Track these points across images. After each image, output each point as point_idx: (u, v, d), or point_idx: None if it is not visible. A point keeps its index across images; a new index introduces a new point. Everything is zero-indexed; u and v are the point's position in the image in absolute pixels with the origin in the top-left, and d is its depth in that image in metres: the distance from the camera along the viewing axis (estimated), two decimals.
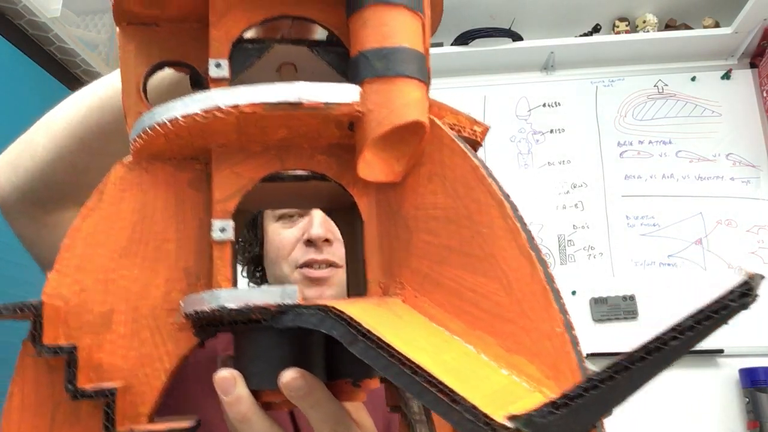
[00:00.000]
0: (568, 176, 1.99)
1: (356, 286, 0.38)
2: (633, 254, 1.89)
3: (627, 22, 2.08)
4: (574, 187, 1.98)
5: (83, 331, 0.30)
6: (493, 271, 0.25)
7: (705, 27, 1.99)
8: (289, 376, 0.28)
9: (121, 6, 0.32)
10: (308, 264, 0.73)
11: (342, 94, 0.28)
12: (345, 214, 0.39)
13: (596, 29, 2.08)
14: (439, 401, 0.21)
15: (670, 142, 1.99)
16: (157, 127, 0.29)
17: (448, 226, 0.27)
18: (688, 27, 2.03)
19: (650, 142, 2.00)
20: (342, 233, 0.40)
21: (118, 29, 0.34)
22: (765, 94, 1.95)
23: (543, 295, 0.24)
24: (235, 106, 0.27)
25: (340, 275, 0.74)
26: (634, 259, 1.89)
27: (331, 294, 0.73)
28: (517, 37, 2.04)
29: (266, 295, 0.28)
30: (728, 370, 1.76)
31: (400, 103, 0.28)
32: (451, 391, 0.21)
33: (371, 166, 0.29)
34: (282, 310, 0.28)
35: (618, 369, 0.19)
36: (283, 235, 0.75)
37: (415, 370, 0.22)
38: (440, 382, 0.21)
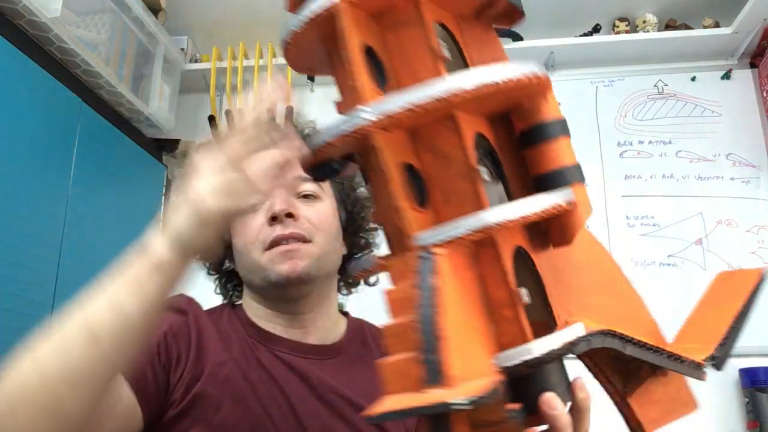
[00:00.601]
0: None
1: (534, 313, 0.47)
2: (633, 254, 1.89)
3: (627, 22, 2.08)
4: None
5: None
6: (617, 293, 0.47)
7: (705, 27, 1.99)
8: (583, 383, 0.43)
9: (410, 120, 0.40)
10: (276, 242, 0.72)
11: (571, 196, 0.42)
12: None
13: (596, 29, 2.08)
14: (677, 364, 0.46)
15: (670, 142, 1.99)
16: (490, 227, 0.38)
17: (587, 272, 0.46)
18: (688, 27, 2.03)
19: (650, 142, 2.00)
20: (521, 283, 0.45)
21: (381, 142, 0.40)
22: (765, 94, 1.95)
23: (640, 300, 0.48)
24: (558, 205, 0.40)
25: (310, 249, 0.73)
26: (634, 259, 1.89)
27: (304, 265, 0.72)
28: (517, 37, 2.04)
29: (570, 333, 0.40)
30: (728, 370, 1.76)
31: (589, 199, 0.43)
32: (678, 355, 0.46)
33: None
34: (577, 341, 0.40)
35: (738, 320, 0.46)
36: (248, 222, 0.74)
37: (659, 350, 0.45)
38: (672, 352, 0.46)
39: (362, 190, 0.87)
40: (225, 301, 0.86)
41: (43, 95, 1.47)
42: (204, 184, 0.49)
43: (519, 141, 0.44)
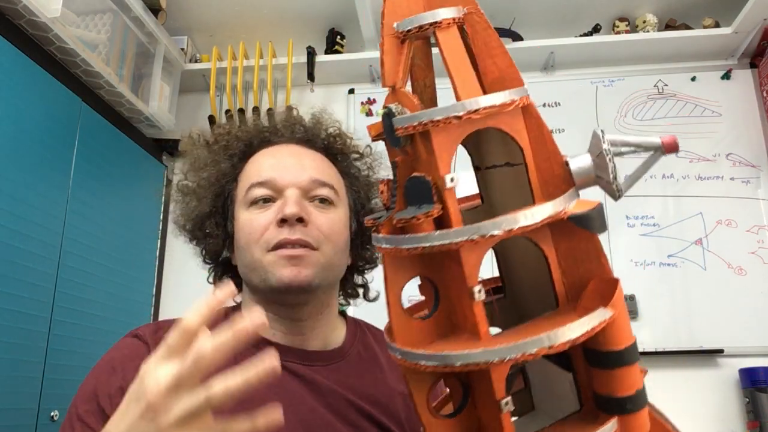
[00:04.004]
0: None
1: None
2: (633, 254, 1.89)
3: (627, 22, 2.08)
4: None
5: None
6: None
7: (705, 27, 1.99)
8: None
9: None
10: (281, 245, 0.69)
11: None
12: None
13: (596, 29, 2.08)
14: None
15: None
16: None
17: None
18: (688, 27, 2.03)
19: None
20: None
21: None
22: (765, 94, 1.95)
23: None
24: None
25: (317, 257, 0.70)
26: (634, 259, 1.89)
27: (308, 274, 0.69)
28: (517, 37, 2.04)
29: None
30: (728, 370, 1.76)
31: (647, 422, 0.43)
32: None
33: None
34: None
35: None
36: (255, 219, 0.71)
37: None
38: None
39: (377, 202, 0.83)
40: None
41: (43, 95, 1.47)
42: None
43: (586, 354, 0.43)
